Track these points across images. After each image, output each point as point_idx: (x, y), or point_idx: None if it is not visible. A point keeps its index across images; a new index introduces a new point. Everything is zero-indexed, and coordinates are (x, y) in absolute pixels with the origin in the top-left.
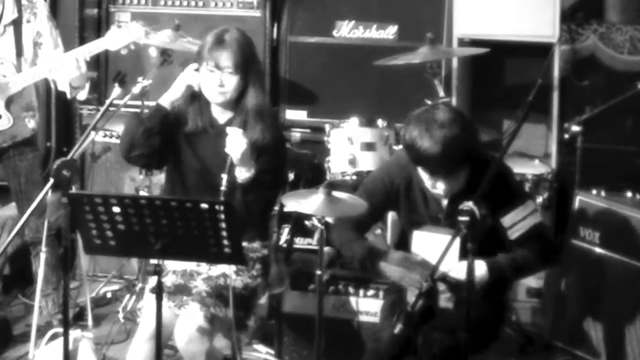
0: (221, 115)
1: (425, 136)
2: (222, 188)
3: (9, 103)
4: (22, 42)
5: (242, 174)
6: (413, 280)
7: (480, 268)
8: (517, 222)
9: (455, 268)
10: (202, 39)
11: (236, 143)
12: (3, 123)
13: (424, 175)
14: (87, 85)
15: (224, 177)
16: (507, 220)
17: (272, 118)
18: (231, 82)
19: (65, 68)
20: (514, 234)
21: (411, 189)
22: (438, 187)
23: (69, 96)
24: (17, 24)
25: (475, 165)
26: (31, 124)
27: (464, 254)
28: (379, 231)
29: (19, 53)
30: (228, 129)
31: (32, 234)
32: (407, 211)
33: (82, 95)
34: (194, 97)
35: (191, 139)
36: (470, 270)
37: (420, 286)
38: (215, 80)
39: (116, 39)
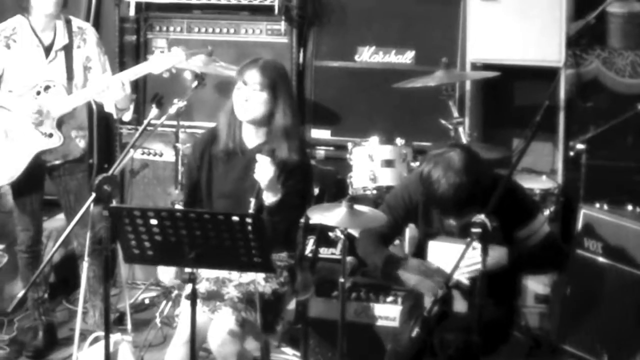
0: (251, 140)
1: (439, 182)
2: (250, 211)
3: (60, 123)
4: (72, 67)
5: (269, 198)
6: (429, 287)
7: (501, 251)
8: (530, 235)
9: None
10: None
11: (265, 171)
12: (54, 141)
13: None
14: (132, 107)
15: (252, 200)
16: (521, 234)
17: (300, 141)
18: (256, 98)
19: (112, 90)
20: (529, 245)
21: (429, 205)
22: (450, 222)
23: (115, 117)
24: (68, 49)
25: (486, 183)
26: (82, 143)
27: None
28: (397, 242)
29: (70, 77)
30: (258, 156)
31: (80, 247)
32: (424, 225)
33: (127, 116)
34: (229, 118)
35: (221, 160)
36: (483, 277)
37: (436, 293)
38: (242, 96)
39: (159, 62)
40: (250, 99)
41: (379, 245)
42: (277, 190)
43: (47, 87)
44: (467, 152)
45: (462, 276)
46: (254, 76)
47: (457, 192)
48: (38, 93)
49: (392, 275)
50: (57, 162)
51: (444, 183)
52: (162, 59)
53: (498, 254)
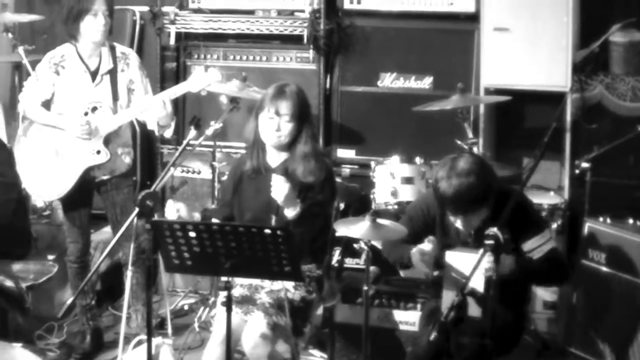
0: (274, 159)
1: (445, 182)
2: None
3: (107, 141)
4: (117, 89)
5: (290, 213)
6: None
7: (509, 259)
8: (535, 248)
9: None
10: (265, 90)
11: (279, 189)
12: (102, 158)
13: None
14: (173, 124)
15: (273, 217)
16: (527, 245)
17: (322, 160)
18: (287, 127)
19: (154, 109)
20: (533, 257)
21: (445, 217)
22: (457, 224)
23: (157, 133)
24: (113, 73)
25: (498, 197)
26: (127, 160)
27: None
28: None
29: (115, 98)
30: (273, 176)
31: (124, 256)
32: (441, 235)
33: (168, 133)
34: (254, 139)
35: (251, 178)
36: (493, 286)
37: (452, 300)
38: (274, 126)
39: (197, 81)
40: (281, 129)
41: (398, 243)
42: (296, 205)
43: (94, 108)
44: (473, 158)
45: (477, 282)
46: (286, 108)
47: (460, 191)
48: (86, 114)
49: (409, 263)
50: (105, 177)
51: (449, 184)
52: (200, 78)
53: (508, 261)
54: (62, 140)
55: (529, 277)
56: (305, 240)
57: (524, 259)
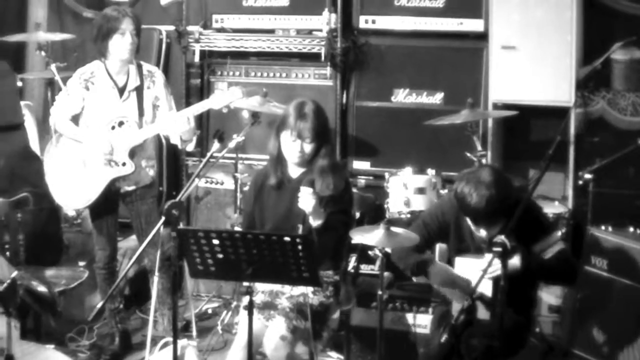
0: (295, 171)
1: (473, 194)
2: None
3: (132, 154)
4: (143, 105)
5: (315, 222)
6: (458, 296)
7: (515, 259)
8: (545, 249)
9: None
10: (285, 107)
11: (307, 200)
12: (127, 170)
13: (469, 221)
14: (195, 139)
15: (300, 226)
16: (537, 247)
17: (340, 172)
18: (309, 148)
19: (178, 124)
20: (544, 257)
21: (460, 223)
22: (481, 232)
23: (179, 147)
24: (139, 90)
25: (512, 198)
26: (151, 172)
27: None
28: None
29: (141, 113)
30: (301, 188)
31: (150, 263)
32: (456, 241)
33: (190, 147)
34: (277, 155)
35: (273, 190)
36: (503, 292)
37: (462, 303)
38: (297, 147)
39: (219, 99)
40: (304, 150)
41: (410, 252)
42: (321, 214)
43: (120, 123)
44: (495, 170)
45: (485, 285)
46: (308, 131)
47: (488, 203)
48: (113, 128)
49: (420, 273)
50: (130, 188)
51: (476, 196)
52: (221, 97)
53: (512, 261)
54: (88, 152)
55: (537, 273)
56: (329, 246)
57: (530, 255)
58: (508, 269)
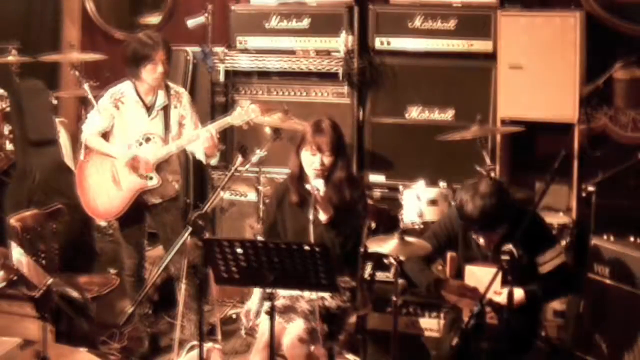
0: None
1: (469, 203)
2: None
3: (158, 168)
4: (169, 122)
5: (323, 217)
6: (466, 304)
7: (519, 294)
8: (547, 261)
9: (501, 294)
10: (304, 125)
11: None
12: (153, 183)
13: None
14: (218, 154)
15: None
16: (539, 259)
17: (355, 182)
18: (329, 161)
19: (202, 141)
20: (544, 270)
21: (467, 233)
22: (480, 240)
23: (204, 162)
24: (166, 108)
25: (514, 216)
26: (176, 186)
27: (506, 283)
28: (440, 267)
29: (167, 130)
30: (312, 181)
31: (177, 271)
32: (464, 249)
33: (214, 162)
34: (297, 170)
35: (291, 204)
36: (510, 296)
37: (472, 309)
38: (317, 161)
39: (238, 116)
40: (325, 163)
41: (423, 267)
42: (330, 210)
43: (147, 139)
44: (494, 182)
45: (493, 296)
46: (326, 144)
47: (482, 212)
48: (140, 144)
49: (436, 293)
50: (156, 201)
51: (471, 205)
52: (241, 113)
53: (517, 296)
54: (117, 166)
55: (542, 302)
56: (336, 244)
57: (533, 292)
58: (514, 303)
